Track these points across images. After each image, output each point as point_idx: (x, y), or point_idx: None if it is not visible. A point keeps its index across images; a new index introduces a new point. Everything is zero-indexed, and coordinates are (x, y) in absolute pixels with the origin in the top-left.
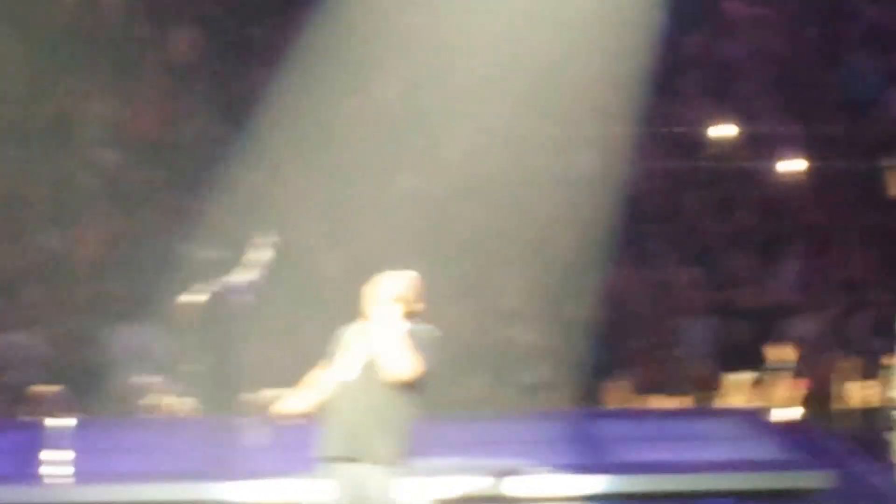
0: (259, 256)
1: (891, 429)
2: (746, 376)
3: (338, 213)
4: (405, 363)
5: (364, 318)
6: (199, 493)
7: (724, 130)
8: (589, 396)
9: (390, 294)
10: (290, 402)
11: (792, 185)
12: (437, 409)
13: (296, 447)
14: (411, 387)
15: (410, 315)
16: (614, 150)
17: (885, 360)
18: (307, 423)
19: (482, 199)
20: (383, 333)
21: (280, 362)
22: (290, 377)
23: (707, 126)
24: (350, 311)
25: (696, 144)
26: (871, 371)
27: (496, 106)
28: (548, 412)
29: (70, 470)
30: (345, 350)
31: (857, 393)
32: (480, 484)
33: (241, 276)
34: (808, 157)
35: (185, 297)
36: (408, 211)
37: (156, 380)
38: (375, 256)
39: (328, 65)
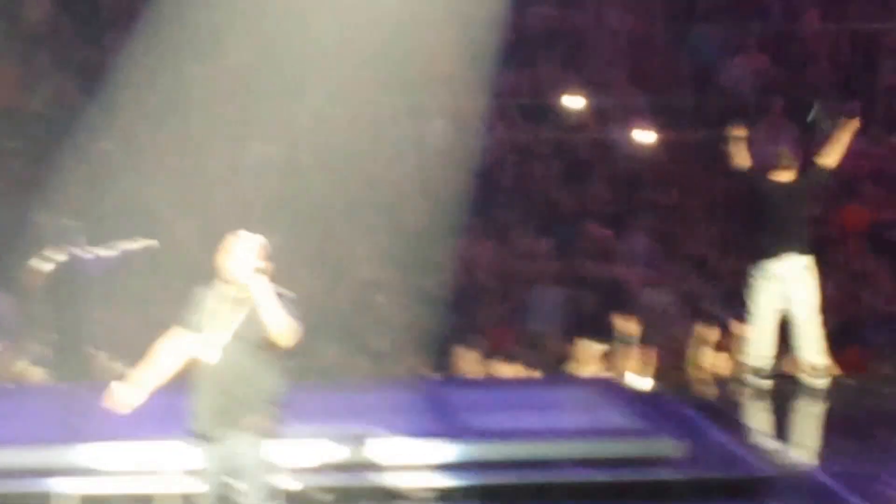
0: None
1: (742, 396)
2: (598, 346)
3: (191, 179)
4: (288, 323)
5: (222, 280)
6: (50, 459)
7: (573, 101)
8: (440, 365)
9: (251, 254)
10: (142, 377)
11: (641, 156)
12: (290, 377)
13: (149, 414)
14: (282, 351)
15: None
16: (465, 120)
17: (736, 330)
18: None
19: (334, 167)
20: (262, 293)
21: (133, 328)
22: (142, 343)
23: (557, 97)
24: (203, 277)
25: (547, 115)
26: (722, 340)
27: (348, 75)
28: (400, 380)
29: None
30: (207, 315)
31: (709, 362)
32: (333, 452)
33: (96, 250)
34: (657, 127)
35: (33, 264)
36: (260, 178)
37: (6, 346)
38: (228, 223)
39: (181, 31)
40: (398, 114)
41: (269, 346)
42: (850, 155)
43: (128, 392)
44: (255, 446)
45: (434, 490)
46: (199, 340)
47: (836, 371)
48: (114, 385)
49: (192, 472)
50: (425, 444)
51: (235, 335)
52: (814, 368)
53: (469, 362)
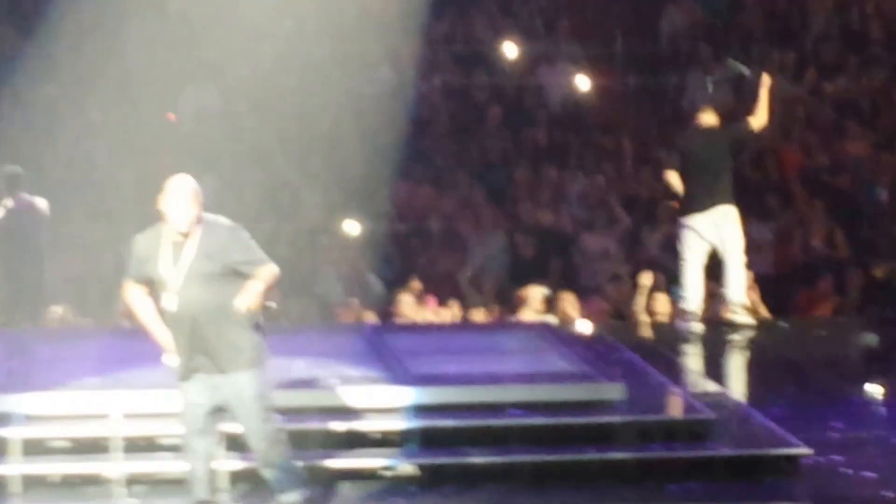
0: None
1: (682, 340)
2: (538, 290)
3: (129, 128)
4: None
5: (167, 223)
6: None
7: (509, 48)
8: (383, 310)
9: (195, 195)
10: (163, 338)
11: (579, 102)
12: None
13: (94, 358)
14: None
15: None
16: (403, 67)
17: (676, 275)
18: (102, 335)
19: (273, 114)
20: (233, 233)
21: (75, 276)
22: (84, 290)
23: (493, 43)
24: (143, 225)
25: (483, 62)
26: (662, 285)
27: (285, 22)
28: (344, 325)
29: None
30: (154, 261)
31: (649, 306)
32: (277, 396)
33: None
34: (593, 73)
35: None
36: (199, 126)
37: None
38: (166, 171)
39: None
40: (335, 61)
41: (229, 277)
42: (785, 101)
43: (170, 358)
44: (248, 381)
45: (378, 434)
46: (166, 283)
47: (766, 312)
48: (165, 360)
49: (152, 416)
50: (368, 389)
51: (189, 275)
52: (741, 308)
53: (411, 308)
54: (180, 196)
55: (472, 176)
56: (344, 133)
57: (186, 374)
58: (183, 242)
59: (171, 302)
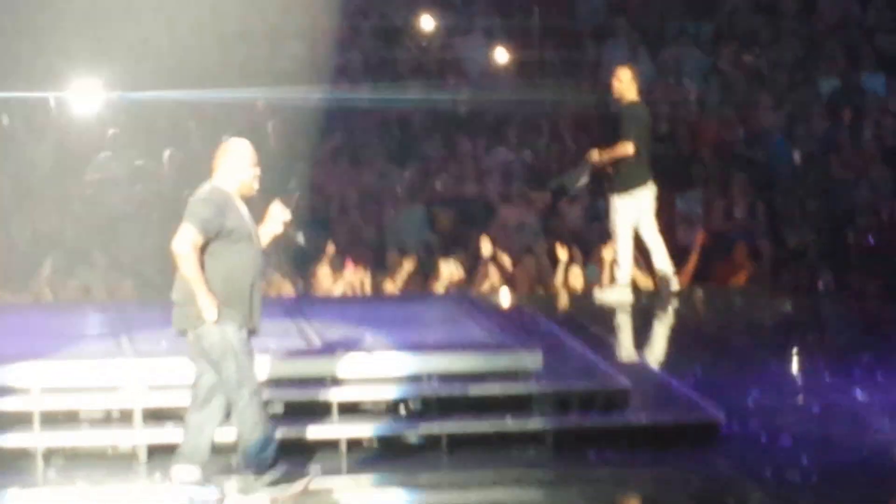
0: None
1: (602, 310)
2: (458, 262)
3: (45, 104)
4: None
5: (230, 182)
6: None
7: (426, 21)
8: (302, 283)
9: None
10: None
11: (498, 74)
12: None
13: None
14: None
15: None
16: (318, 41)
17: (596, 247)
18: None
19: (187, 87)
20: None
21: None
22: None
23: (410, 17)
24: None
25: (400, 35)
26: (581, 257)
27: None
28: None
29: None
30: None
31: (568, 277)
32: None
33: None
34: (512, 47)
35: None
36: (110, 100)
37: None
38: (84, 148)
39: None
40: (249, 36)
41: None
42: (702, 75)
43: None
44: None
45: (296, 405)
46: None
47: (687, 281)
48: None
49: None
50: (288, 361)
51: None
52: (664, 278)
53: (328, 279)
54: (251, 157)
55: (391, 149)
56: (259, 108)
57: (253, 327)
58: (237, 198)
59: (254, 255)
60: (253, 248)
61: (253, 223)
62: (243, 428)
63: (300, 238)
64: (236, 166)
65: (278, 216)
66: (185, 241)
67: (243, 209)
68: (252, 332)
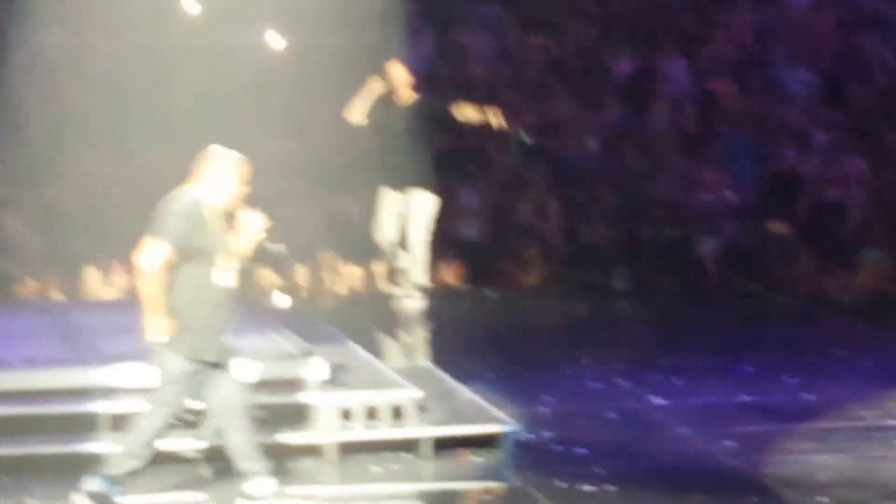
0: None
1: (389, 314)
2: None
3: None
4: None
5: (208, 193)
6: None
7: (191, 4)
8: (69, 287)
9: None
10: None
11: (271, 59)
12: None
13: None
14: None
15: None
16: (71, 27)
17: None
18: None
19: None
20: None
21: None
22: None
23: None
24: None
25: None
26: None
27: None
28: (27, 302)
29: None
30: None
31: (351, 282)
32: None
33: None
34: (288, 32)
35: None
36: None
37: None
38: None
39: None
40: None
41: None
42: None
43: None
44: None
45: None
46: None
47: (446, 282)
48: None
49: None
50: (50, 371)
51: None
52: (416, 286)
53: (97, 282)
54: (246, 174)
55: (160, 141)
56: (23, 96)
57: (222, 356)
58: (216, 216)
59: (227, 277)
60: (216, 271)
61: (225, 244)
62: (133, 437)
63: (282, 249)
64: (226, 180)
65: (253, 225)
66: (153, 257)
67: (218, 228)
68: (211, 364)
